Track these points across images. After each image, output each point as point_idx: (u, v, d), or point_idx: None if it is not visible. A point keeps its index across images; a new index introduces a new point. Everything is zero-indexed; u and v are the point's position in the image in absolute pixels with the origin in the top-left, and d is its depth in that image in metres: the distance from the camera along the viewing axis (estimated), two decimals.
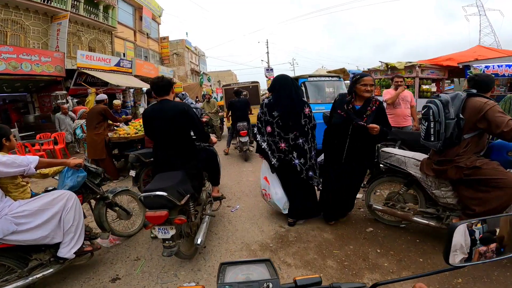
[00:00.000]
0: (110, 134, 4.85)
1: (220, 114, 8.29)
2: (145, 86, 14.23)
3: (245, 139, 5.70)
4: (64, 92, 9.92)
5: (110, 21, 14.16)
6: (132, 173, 3.73)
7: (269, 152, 2.79)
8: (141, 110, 13.02)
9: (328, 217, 2.96)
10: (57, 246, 1.97)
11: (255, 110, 8.34)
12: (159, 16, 20.12)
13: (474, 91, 2.15)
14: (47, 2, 10.51)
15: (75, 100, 10.09)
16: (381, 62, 8.37)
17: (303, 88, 5.22)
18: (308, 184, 2.86)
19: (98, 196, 2.47)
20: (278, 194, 2.86)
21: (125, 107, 13.82)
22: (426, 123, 2.23)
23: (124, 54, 15.38)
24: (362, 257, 2.39)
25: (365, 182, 2.94)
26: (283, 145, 2.72)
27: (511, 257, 0.72)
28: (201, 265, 2.36)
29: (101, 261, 2.51)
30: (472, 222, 0.67)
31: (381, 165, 2.74)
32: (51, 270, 1.96)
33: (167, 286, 2.12)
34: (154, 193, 1.87)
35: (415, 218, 2.52)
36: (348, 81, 6.24)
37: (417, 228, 2.73)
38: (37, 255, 1.94)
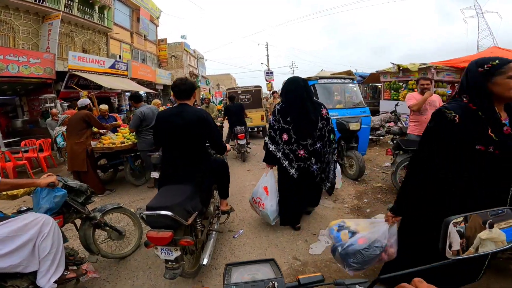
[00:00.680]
0: (93, 143, 4.26)
1: (219, 119, 7.87)
2: (141, 90, 13.70)
3: (243, 141, 6.03)
4: (53, 95, 9.34)
5: (105, 22, 13.61)
6: (155, 174, 3.68)
7: (287, 162, 2.62)
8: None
9: None
10: (35, 272, 1.75)
11: (251, 114, 8.44)
12: (157, 18, 19.64)
13: None
14: (40, 2, 9.96)
15: (66, 104, 9.48)
16: (393, 63, 7.85)
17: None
18: (318, 186, 2.79)
19: (84, 216, 2.20)
20: (273, 207, 2.75)
21: (120, 111, 13.25)
22: None
23: (120, 56, 14.83)
24: None
25: None
26: (302, 152, 2.55)
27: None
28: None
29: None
30: (459, 217, 0.72)
31: None
32: None
33: None
34: (158, 212, 1.71)
35: None
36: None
37: None
38: (12, 281, 1.70)
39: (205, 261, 2.06)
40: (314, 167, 2.59)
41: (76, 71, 10.01)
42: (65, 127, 4.69)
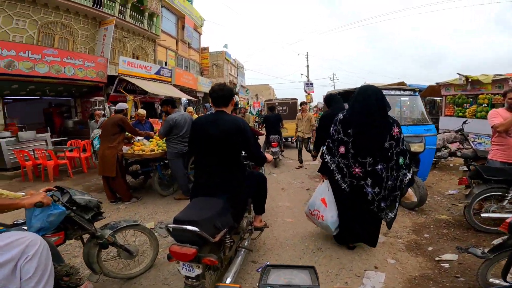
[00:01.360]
0: (126, 148, 4.12)
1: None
2: (183, 96, 14.05)
3: (276, 149, 6.69)
4: (102, 98, 9.86)
5: (154, 29, 14.35)
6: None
7: (339, 176, 2.49)
8: None
9: None
10: None
11: (287, 125, 8.50)
12: (201, 27, 20.36)
13: None
14: (97, 7, 10.74)
15: (113, 108, 9.96)
16: (460, 74, 6.76)
17: None
18: (376, 215, 2.46)
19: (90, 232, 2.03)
20: (333, 218, 2.60)
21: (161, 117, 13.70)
22: None
23: (165, 63, 15.49)
24: None
25: None
26: (357, 170, 2.37)
27: None
28: None
29: None
30: None
31: None
32: None
33: None
34: (185, 227, 1.63)
35: None
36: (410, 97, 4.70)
37: None
38: None
39: (228, 281, 1.93)
40: (369, 189, 2.35)
41: (125, 75, 10.49)
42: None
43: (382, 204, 2.38)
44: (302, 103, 6.85)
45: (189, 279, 1.70)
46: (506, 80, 5.96)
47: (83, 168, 6.46)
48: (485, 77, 6.30)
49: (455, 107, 7.55)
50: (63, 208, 1.77)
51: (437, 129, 7.37)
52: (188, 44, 18.25)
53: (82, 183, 5.51)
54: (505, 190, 2.82)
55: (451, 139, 5.98)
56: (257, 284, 0.71)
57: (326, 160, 2.60)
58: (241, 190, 2.12)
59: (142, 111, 5.43)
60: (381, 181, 2.33)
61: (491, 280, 1.91)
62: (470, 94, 6.81)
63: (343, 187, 2.48)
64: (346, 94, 5.13)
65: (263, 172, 3.17)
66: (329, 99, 3.91)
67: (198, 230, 1.60)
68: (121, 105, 4.32)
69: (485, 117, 5.82)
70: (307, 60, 27.06)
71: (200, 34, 20.62)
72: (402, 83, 9.01)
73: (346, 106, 6.18)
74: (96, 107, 9.14)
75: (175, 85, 13.87)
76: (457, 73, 6.86)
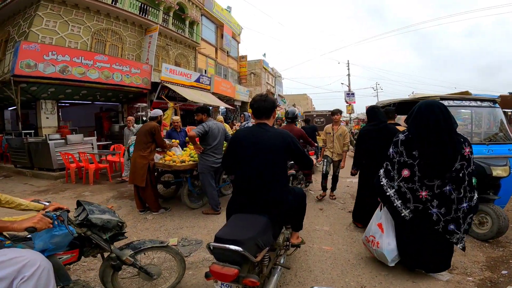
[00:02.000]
0: (158, 156, 3.96)
1: None
2: (221, 105, 14.12)
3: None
4: (145, 104, 10.24)
5: (194, 37, 14.79)
6: None
7: (399, 202, 2.32)
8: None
9: None
10: None
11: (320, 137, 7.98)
12: (239, 35, 20.59)
13: None
14: (143, 15, 11.32)
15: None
16: None
17: None
18: (443, 236, 2.27)
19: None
20: (390, 245, 2.44)
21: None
22: None
23: (205, 71, 15.84)
24: None
25: None
26: (424, 193, 2.23)
27: None
28: None
29: None
30: None
31: None
32: None
33: None
34: (228, 247, 1.56)
35: None
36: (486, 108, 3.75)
37: None
38: None
39: None
40: (435, 210, 2.23)
41: (166, 82, 10.83)
42: None
43: (450, 227, 2.22)
44: (334, 112, 4.84)
45: None
46: None
47: (122, 173, 6.59)
48: None
49: None
50: (68, 229, 1.65)
51: None
52: (227, 52, 18.54)
53: (118, 189, 5.55)
54: None
55: None
56: None
57: (382, 183, 2.43)
58: (284, 207, 2.02)
59: (176, 117, 5.35)
60: (450, 203, 2.20)
61: None
62: None
63: (403, 214, 2.31)
64: (401, 105, 4.49)
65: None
66: (372, 111, 3.38)
67: (242, 250, 1.56)
68: (155, 112, 4.21)
69: None
70: (348, 69, 25.76)
71: (238, 42, 20.88)
72: (467, 93, 7.81)
73: (398, 118, 5.41)
74: (139, 113, 9.50)
75: (213, 93, 14.02)
76: None
